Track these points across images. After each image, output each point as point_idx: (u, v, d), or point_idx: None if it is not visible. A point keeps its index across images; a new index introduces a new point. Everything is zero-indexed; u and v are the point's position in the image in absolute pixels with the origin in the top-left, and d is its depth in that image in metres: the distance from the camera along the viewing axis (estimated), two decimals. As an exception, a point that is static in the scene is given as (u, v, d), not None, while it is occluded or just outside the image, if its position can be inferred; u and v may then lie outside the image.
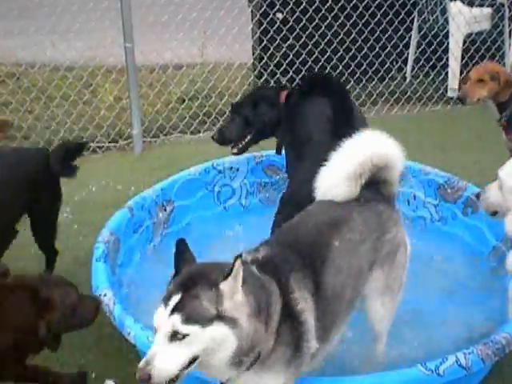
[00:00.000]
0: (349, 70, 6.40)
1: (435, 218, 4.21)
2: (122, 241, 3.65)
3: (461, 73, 6.60)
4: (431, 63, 6.76)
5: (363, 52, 6.50)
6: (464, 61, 6.65)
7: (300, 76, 6.12)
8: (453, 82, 6.58)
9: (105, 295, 3.06)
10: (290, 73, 6.30)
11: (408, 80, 6.83)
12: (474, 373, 2.85)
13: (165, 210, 4.04)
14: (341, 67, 6.38)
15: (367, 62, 6.45)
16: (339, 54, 6.43)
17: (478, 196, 3.17)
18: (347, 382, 2.65)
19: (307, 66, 6.29)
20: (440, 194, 4.17)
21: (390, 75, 6.50)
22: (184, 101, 6.09)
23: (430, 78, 6.66)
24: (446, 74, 6.68)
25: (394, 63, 6.70)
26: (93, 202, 4.71)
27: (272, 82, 6.24)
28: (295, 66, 6.30)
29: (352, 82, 6.38)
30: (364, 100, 6.32)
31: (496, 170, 5.04)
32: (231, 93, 6.14)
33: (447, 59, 6.65)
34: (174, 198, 4.09)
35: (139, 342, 2.84)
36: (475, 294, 3.57)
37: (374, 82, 6.49)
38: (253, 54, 6.66)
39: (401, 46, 6.64)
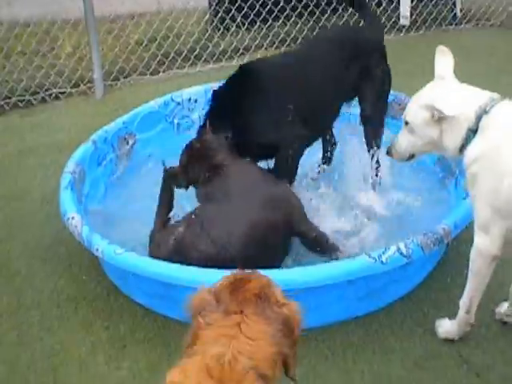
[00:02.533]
0: (302, 3, 6.52)
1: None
2: (87, 172, 3.84)
3: (412, 0, 6.77)
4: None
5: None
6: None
7: (254, 11, 6.27)
8: (404, 9, 6.73)
9: (72, 218, 3.26)
10: (245, 8, 6.40)
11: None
12: (419, 266, 3.12)
13: (127, 143, 4.22)
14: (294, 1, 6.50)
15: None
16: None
17: (388, 152, 3.07)
18: (295, 273, 2.89)
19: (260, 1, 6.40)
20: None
21: (341, 6, 6.59)
22: (142, 44, 6.19)
23: (382, 7, 6.76)
24: (398, 2, 6.80)
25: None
26: (57, 145, 4.84)
27: (227, 18, 6.36)
28: (249, 2, 6.40)
29: (306, 14, 6.50)
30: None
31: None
32: (188, 32, 6.24)
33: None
34: (135, 131, 4.26)
35: (107, 255, 3.06)
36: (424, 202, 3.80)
37: (327, 14, 6.60)
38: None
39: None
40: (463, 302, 2.84)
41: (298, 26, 6.47)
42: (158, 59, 5.98)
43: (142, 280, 3.09)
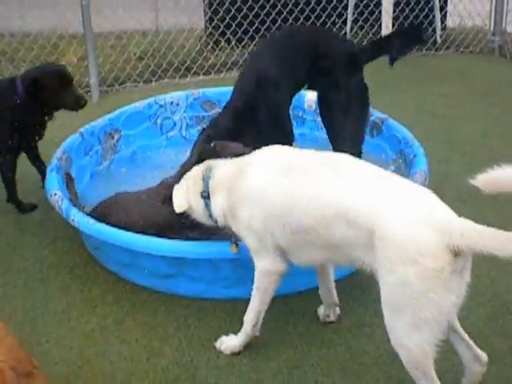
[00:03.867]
0: (282, 16, 6.95)
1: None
2: (74, 160, 4.30)
3: (392, 25, 7.25)
4: (364, 17, 7.32)
5: (305, 14, 7.08)
6: (395, 14, 7.28)
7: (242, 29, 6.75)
8: (385, 33, 7.14)
9: (55, 194, 3.73)
10: (239, 33, 6.89)
11: (348, 36, 7.36)
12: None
13: (112, 137, 4.69)
14: (279, 21, 6.94)
15: (304, 15, 7.04)
16: (283, 15, 6.98)
17: None
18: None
19: (254, 27, 6.88)
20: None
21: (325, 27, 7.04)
22: (141, 58, 6.69)
23: (364, 30, 7.22)
24: (379, 26, 7.28)
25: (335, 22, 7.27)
26: (53, 141, 5.24)
27: (222, 41, 6.87)
28: (243, 27, 6.89)
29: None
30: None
31: (414, 108, 5.76)
32: (180, 46, 6.74)
33: (380, 13, 7.27)
34: (120, 127, 4.74)
35: (81, 224, 3.52)
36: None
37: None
38: (204, 16, 7.17)
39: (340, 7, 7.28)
40: (250, 318, 3.03)
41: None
42: (150, 69, 6.49)
43: (112, 249, 3.53)
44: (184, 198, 3.06)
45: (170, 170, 3.97)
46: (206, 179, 3.00)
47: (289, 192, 2.73)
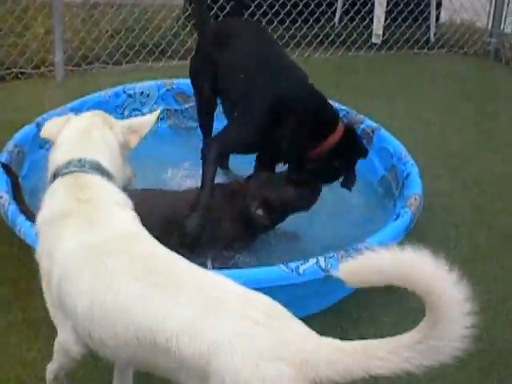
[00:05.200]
0: (273, 10, 6.50)
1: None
2: (27, 154, 3.82)
3: (385, 20, 6.81)
4: (356, 8, 6.86)
5: (293, 1, 6.57)
6: (388, 8, 6.83)
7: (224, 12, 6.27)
8: (377, 27, 6.77)
9: (1, 197, 3.25)
10: (220, 17, 6.39)
11: (336, 26, 6.95)
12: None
13: (74, 129, 4.19)
14: (265, 6, 6.49)
15: (291, 2, 6.55)
16: (269, 1, 6.50)
17: None
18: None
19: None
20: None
21: (313, 17, 6.61)
22: (112, 37, 6.18)
23: (355, 22, 6.79)
24: (371, 19, 6.84)
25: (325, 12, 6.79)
26: (9, 124, 4.79)
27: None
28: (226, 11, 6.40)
29: (275, 22, 6.50)
30: (287, 41, 6.42)
31: (404, 113, 5.39)
32: (155, 27, 6.25)
33: (372, 4, 6.81)
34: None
35: (28, 237, 3.04)
36: (360, 218, 3.83)
37: (297, 24, 6.60)
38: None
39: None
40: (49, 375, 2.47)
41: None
42: (122, 50, 5.97)
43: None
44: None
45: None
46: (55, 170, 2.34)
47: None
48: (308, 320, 3.08)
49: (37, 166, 3.89)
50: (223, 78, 3.65)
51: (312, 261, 2.89)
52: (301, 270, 2.85)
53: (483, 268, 3.67)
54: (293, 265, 2.86)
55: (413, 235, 3.63)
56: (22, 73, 5.64)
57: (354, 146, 3.48)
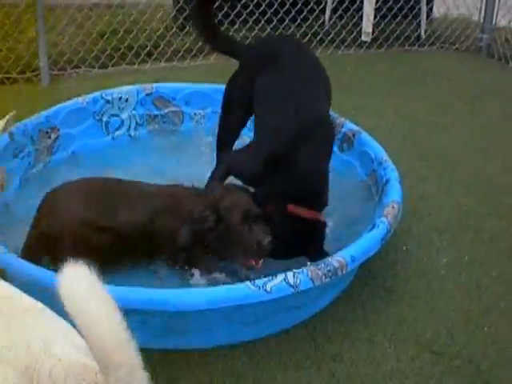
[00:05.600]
0: (260, 9, 6.41)
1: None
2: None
3: (374, 17, 6.71)
4: (344, 6, 6.77)
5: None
6: (377, 5, 6.73)
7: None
8: (367, 25, 6.67)
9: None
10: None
11: (325, 25, 6.86)
12: (313, 297, 3.06)
13: (49, 137, 4.12)
14: (251, 6, 6.40)
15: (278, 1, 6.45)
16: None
17: None
18: (175, 294, 2.81)
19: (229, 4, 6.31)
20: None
21: (301, 16, 6.51)
22: (105, 34, 6.08)
23: (344, 20, 6.69)
24: (360, 17, 6.74)
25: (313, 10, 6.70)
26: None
27: (188, 25, 6.27)
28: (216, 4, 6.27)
29: (263, 21, 6.41)
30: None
31: (393, 113, 5.30)
32: (152, 28, 6.17)
33: (361, 2, 6.70)
34: (59, 125, 4.16)
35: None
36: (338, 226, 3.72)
37: (285, 23, 6.51)
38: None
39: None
40: None
41: (255, 32, 6.39)
42: (107, 53, 5.89)
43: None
44: None
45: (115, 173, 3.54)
46: None
47: None
48: (281, 335, 3.08)
49: (10, 176, 3.84)
50: (255, 101, 3.58)
51: (280, 277, 2.81)
52: (268, 287, 2.77)
53: (467, 275, 3.57)
54: (260, 282, 2.78)
55: (394, 241, 3.60)
56: (7, 78, 5.57)
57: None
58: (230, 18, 6.28)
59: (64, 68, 5.75)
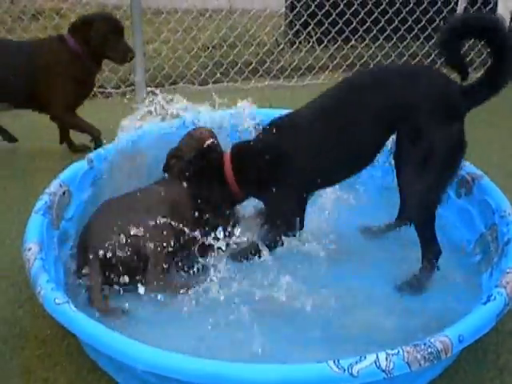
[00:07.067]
0: (379, 26, 5.99)
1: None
2: (75, 194, 3.48)
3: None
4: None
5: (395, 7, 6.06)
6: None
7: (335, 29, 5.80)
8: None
9: (29, 249, 2.90)
10: (326, 24, 5.93)
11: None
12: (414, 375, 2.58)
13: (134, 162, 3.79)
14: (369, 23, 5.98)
15: (399, 18, 5.98)
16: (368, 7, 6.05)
17: None
18: (244, 369, 2.40)
19: (344, 18, 5.92)
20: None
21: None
22: (208, 49, 5.84)
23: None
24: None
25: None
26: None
27: (304, 33, 5.93)
28: (331, 18, 5.92)
29: (381, 39, 5.95)
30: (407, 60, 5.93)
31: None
32: (259, 43, 5.86)
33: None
34: (145, 150, 3.83)
35: (46, 301, 2.67)
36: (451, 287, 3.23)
37: (406, 42, 6.03)
38: (285, 1, 6.29)
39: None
40: None
41: (372, 50, 5.93)
42: (208, 69, 5.59)
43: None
44: None
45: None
46: None
47: None
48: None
49: (85, 207, 3.55)
50: None
51: (370, 358, 2.35)
52: (355, 371, 2.31)
53: None
54: (345, 363, 2.33)
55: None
56: (101, 92, 5.36)
57: None
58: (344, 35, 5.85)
59: (161, 84, 5.47)
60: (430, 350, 2.43)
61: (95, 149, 4.18)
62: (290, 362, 2.46)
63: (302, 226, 3.29)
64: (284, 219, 3.22)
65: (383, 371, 2.34)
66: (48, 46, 4.40)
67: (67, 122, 4.61)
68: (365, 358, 2.35)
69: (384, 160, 3.81)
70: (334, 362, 2.33)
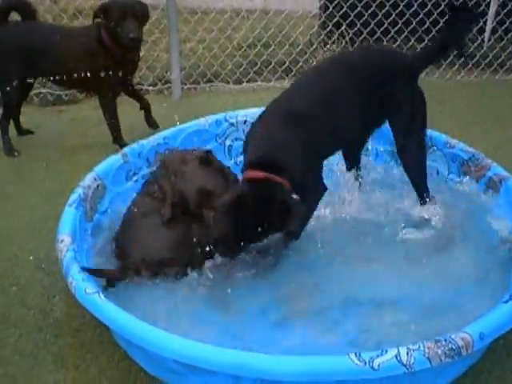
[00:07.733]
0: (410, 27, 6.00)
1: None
2: (109, 188, 3.57)
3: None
4: (505, 26, 6.18)
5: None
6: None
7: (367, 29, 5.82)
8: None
9: (62, 241, 3.00)
10: (358, 25, 5.96)
11: (484, 47, 6.29)
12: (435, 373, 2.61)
13: (166, 159, 3.87)
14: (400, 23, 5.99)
15: (430, 20, 5.98)
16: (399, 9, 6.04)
17: None
18: (266, 360, 2.46)
19: (377, 19, 5.95)
20: (463, 171, 3.85)
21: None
22: (242, 48, 5.89)
23: (504, 42, 6.10)
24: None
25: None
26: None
27: (337, 33, 5.96)
28: (363, 19, 5.95)
29: (413, 40, 5.96)
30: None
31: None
32: (292, 43, 5.91)
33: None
34: (179, 147, 3.90)
35: (77, 291, 2.77)
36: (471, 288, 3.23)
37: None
38: (319, 1, 6.33)
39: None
40: None
41: (410, 44, 5.95)
42: (242, 68, 5.66)
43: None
44: None
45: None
46: None
47: None
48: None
49: (119, 201, 3.64)
50: None
51: (392, 352, 2.40)
52: (376, 364, 2.36)
53: None
54: (366, 356, 2.38)
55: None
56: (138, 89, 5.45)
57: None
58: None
59: (197, 81, 5.56)
60: (450, 345, 2.46)
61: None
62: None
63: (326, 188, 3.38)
64: (315, 183, 3.33)
65: (404, 365, 2.39)
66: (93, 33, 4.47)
67: (107, 110, 4.68)
68: (386, 351, 2.40)
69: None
70: (356, 354, 2.38)
